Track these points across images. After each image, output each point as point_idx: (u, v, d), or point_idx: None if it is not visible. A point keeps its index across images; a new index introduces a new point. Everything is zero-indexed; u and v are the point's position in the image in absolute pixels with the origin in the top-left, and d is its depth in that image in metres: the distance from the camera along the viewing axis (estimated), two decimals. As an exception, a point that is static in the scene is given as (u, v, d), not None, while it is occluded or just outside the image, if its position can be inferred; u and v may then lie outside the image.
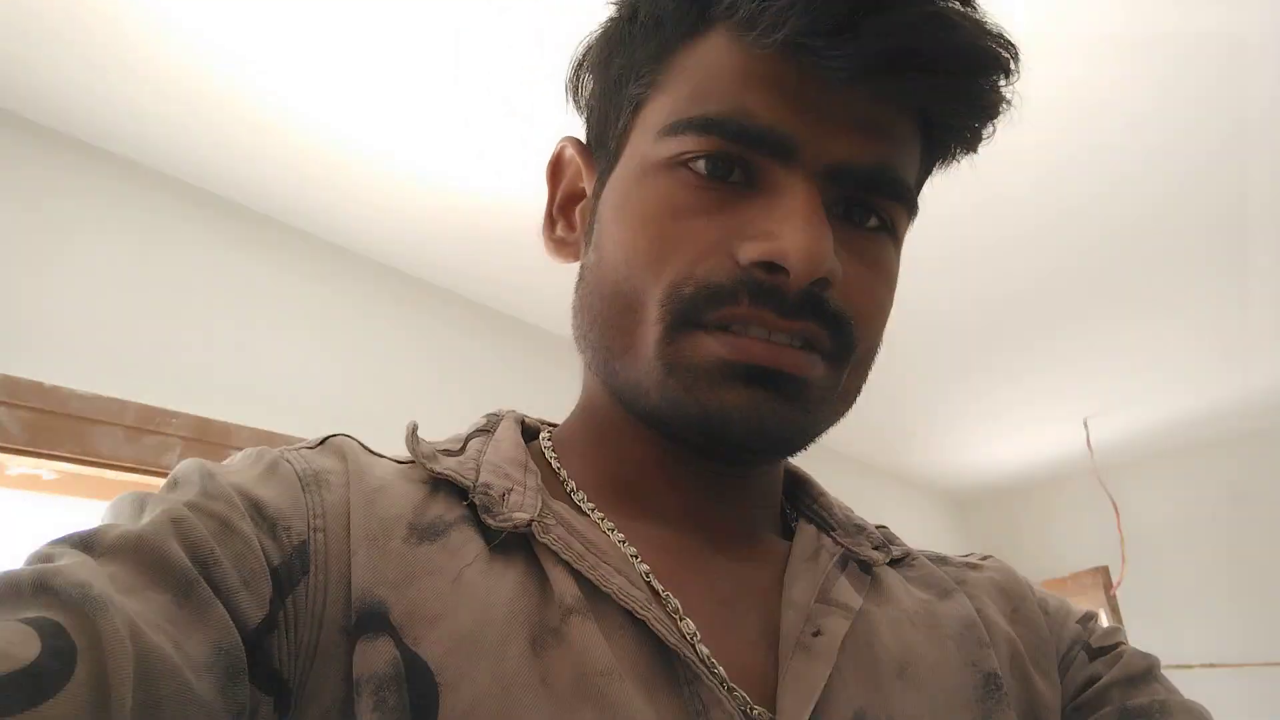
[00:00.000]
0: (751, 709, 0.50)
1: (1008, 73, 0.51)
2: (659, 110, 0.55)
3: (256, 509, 0.49)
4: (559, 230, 0.65)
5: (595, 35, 0.62)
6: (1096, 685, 0.61)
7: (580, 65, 0.64)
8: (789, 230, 0.50)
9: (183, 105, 1.84)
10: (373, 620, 0.47)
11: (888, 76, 0.50)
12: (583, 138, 0.65)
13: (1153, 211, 2.44)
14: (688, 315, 0.52)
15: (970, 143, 0.57)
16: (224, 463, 0.54)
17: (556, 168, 0.66)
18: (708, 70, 0.53)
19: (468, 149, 2.01)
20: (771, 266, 0.51)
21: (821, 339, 0.53)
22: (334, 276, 2.30)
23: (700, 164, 0.52)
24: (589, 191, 0.62)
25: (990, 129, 0.55)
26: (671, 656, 0.50)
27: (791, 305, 0.51)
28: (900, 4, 0.48)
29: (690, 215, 0.52)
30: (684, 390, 0.52)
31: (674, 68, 0.55)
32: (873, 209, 0.55)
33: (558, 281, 2.50)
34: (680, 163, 0.53)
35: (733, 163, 0.52)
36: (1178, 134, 2.12)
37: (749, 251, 0.51)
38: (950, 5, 0.51)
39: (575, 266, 0.63)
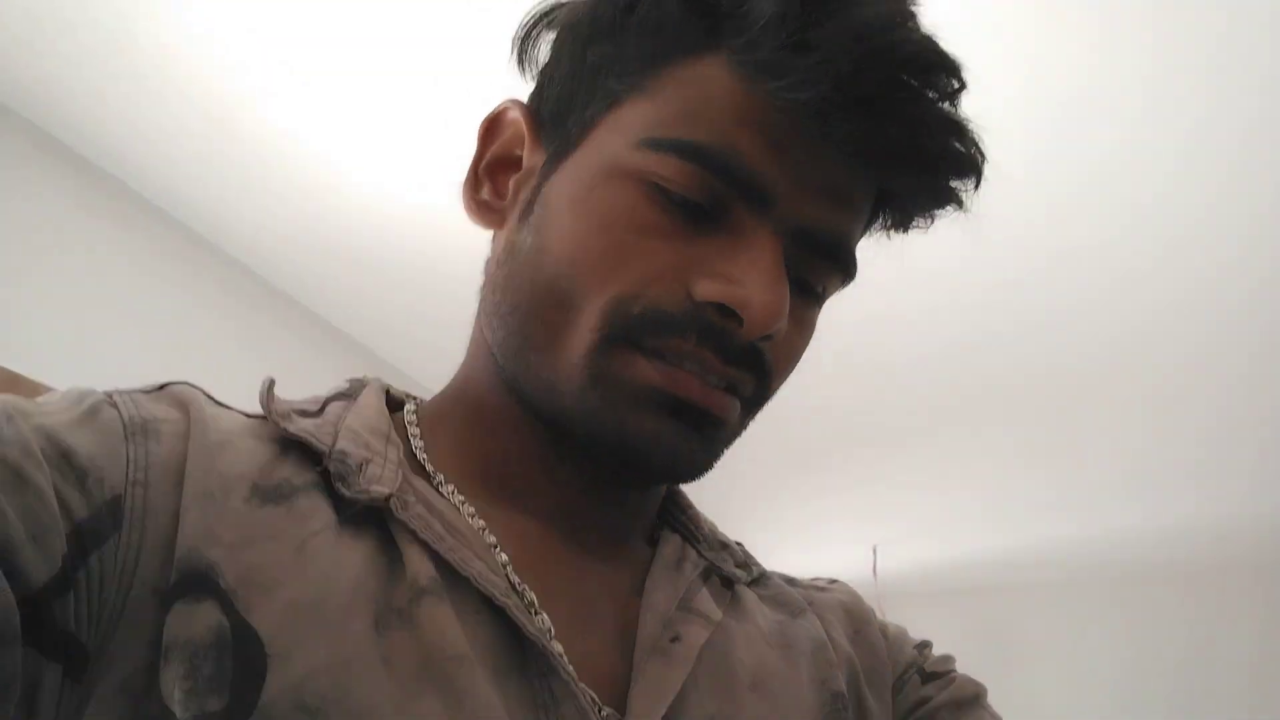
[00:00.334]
0: (601, 709, 0.49)
1: (977, 182, 0.53)
2: (640, 116, 0.53)
3: (65, 457, 0.44)
4: (484, 193, 0.61)
5: (579, 7, 0.58)
6: (926, 706, 0.63)
7: (538, 25, 0.60)
8: (753, 282, 0.50)
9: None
10: (196, 583, 0.44)
11: (882, 159, 0.51)
12: (532, 102, 0.61)
13: (942, 364, 2.68)
14: (629, 334, 0.51)
15: (904, 227, 0.58)
16: (41, 399, 0.49)
17: (493, 126, 0.61)
18: (703, 94, 0.52)
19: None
20: (726, 310, 0.51)
21: (746, 386, 0.54)
22: (154, 247, 2.35)
23: (674, 187, 0.51)
24: (531, 165, 0.59)
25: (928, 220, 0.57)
26: (527, 648, 0.49)
27: (735, 352, 0.52)
28: (916, 98, 0.49)
29: (651, 234, 0.52)
30: (605, 405, 0.52)
31: (665, 78, 0.53)
32: (820, 276, 0.56)
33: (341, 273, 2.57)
34: (654, 179, 0.52)
35: (707, 194, 0.51)
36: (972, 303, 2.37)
37: (707, 290, 0.51)
38: (954, 107, 0.52)
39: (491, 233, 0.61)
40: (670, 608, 0.56)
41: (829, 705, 0.58)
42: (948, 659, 0.67)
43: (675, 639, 0.54)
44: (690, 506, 0.67)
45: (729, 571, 0.62)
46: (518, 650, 0.49)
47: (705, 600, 0.58)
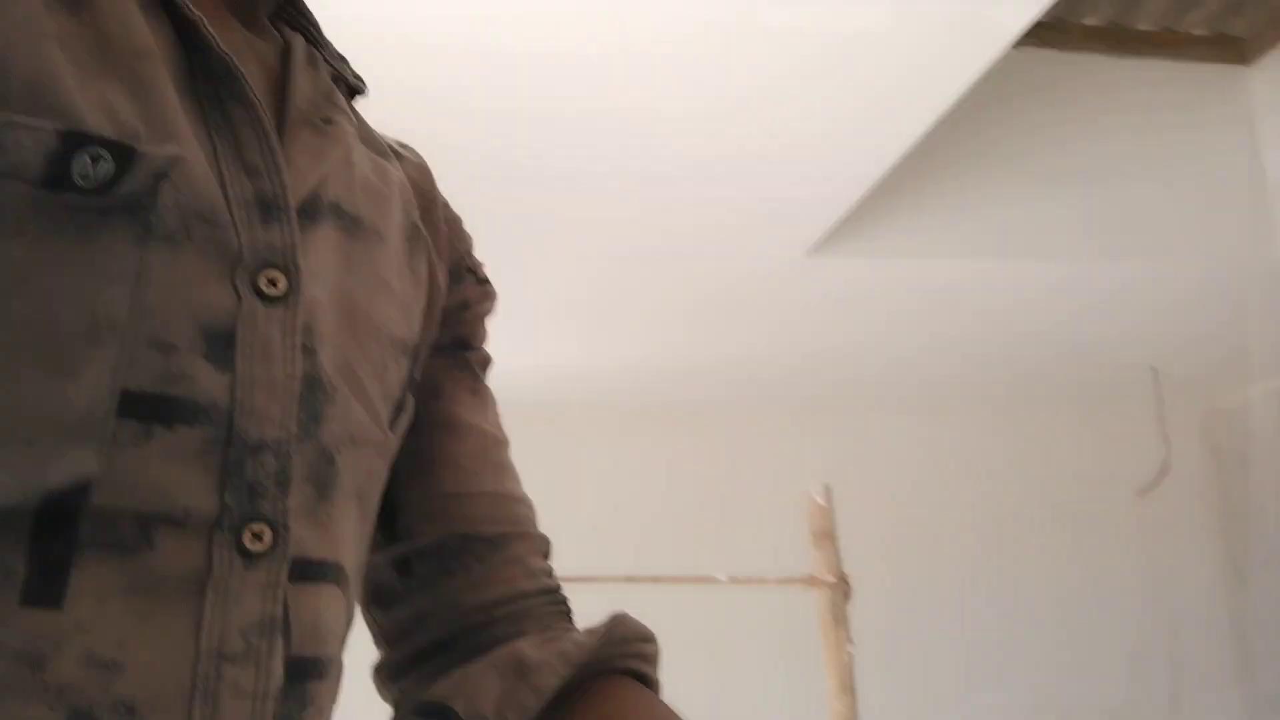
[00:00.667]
0: (270, 136, 0.50)
1: None
2: None
3: None
4: None
5: None
6: (472, 310, 0.68)
7: None
8: None
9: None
10: None
11: None
12: None
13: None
14: None
15: None
16: None
17: None
18: None
19: None
20: None
21: None
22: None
23: None
24: None
25: None
26: (213, 68, 0.48)
27: None
28: None
29: None
30: None
31: None
32: None
33: None
34: None
35: None
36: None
37: None
38: None
39: None
40: (316, 96, 0.56)
41: (410, 232, 0.60)
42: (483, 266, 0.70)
43: (327, 120, 0.55)
44: (309, 11, 0.64)
45: (353, 82, 0.62)
46: (201, 70, 0.48)
47: (342, 101, 0.59)
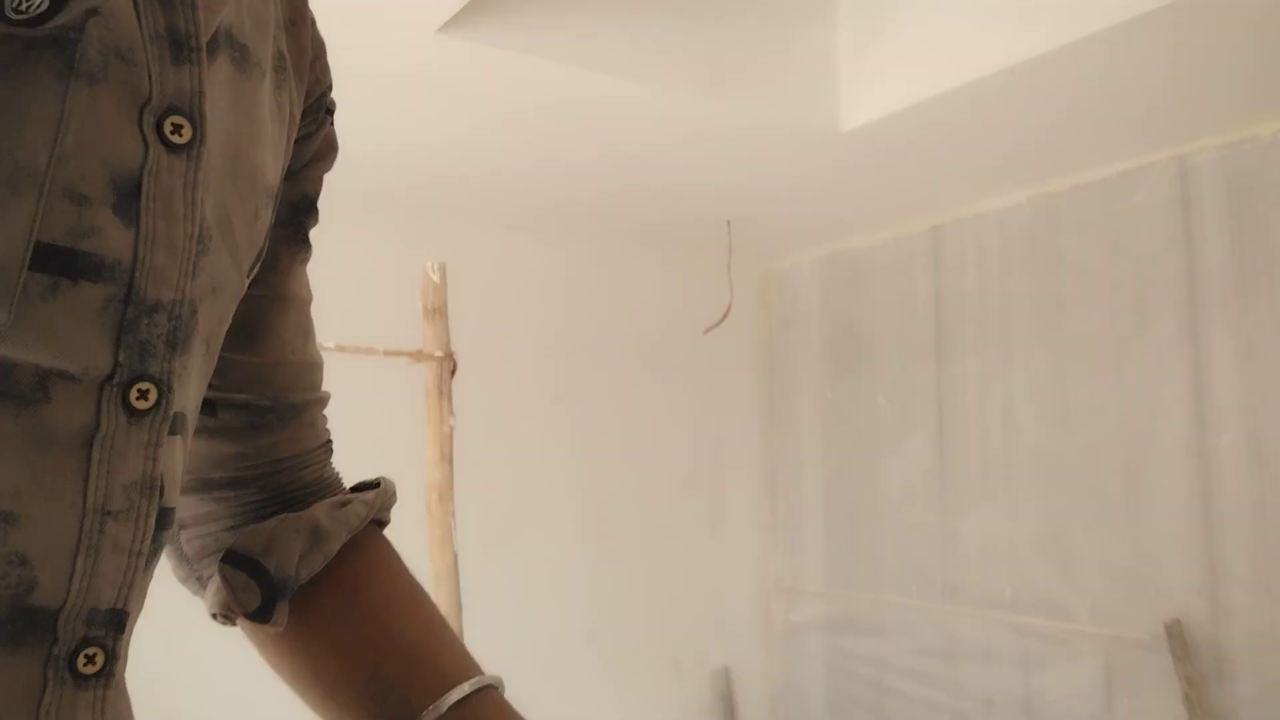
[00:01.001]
0: None
1: None
2: None
3: None
4: None
5: None
6: (316, 141, 0.66)
7: None
8: None
9: None
10: None
11: None
12: None
13: None
14: None
15: None
16: None
17: None
18: None
19: None
20: None
21: None
22: None
23: None
24: None
25: None
26: None
27: None
28: None
29: None
30: None
31: None
32: None
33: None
34: None
35: None
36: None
37: None
38: None
39: None
40: None
41: (277, 60, 0.59)
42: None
43: None
44: None
45: None
46: None
47: None
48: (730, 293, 3.74)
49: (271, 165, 0.58)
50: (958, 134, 2.91)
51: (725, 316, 3.72)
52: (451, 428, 2.41)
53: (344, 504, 0.69)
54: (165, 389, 0.47)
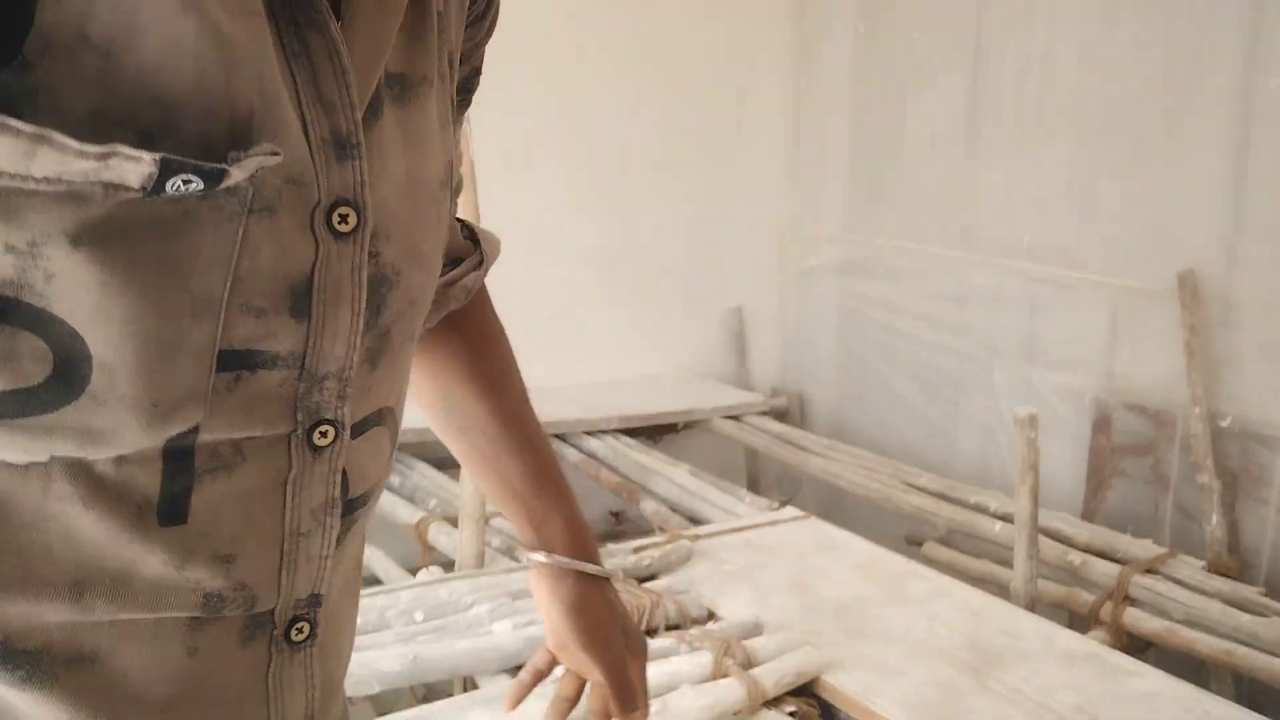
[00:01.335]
0: (342, 56, 0.50)
1: None
2: None
3: None
4: None
5: None
6: (482, 39, 0.72)
7: None
8: None
9: None
10: None
11: None
12: None
13: None
14: None
15: None
16: None
17: None
18: None
19: None
20: None
21: None
22: None
23: None
24: None
25: None
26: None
27: None
28: None
29: None
30: None
31: None
32: None
33: None
34: None
35: None
36: None
37: None
38: None
39: None
40: None
41: (434, 21, 0.61)
42: None
43: None
44: None
45: None
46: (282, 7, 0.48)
47: None
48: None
49: (442, 159, 0.63)
50: None
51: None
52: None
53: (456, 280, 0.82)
54: (340, 427, 0.56)
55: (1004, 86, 3.47)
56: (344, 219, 0.51)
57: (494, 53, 0.75)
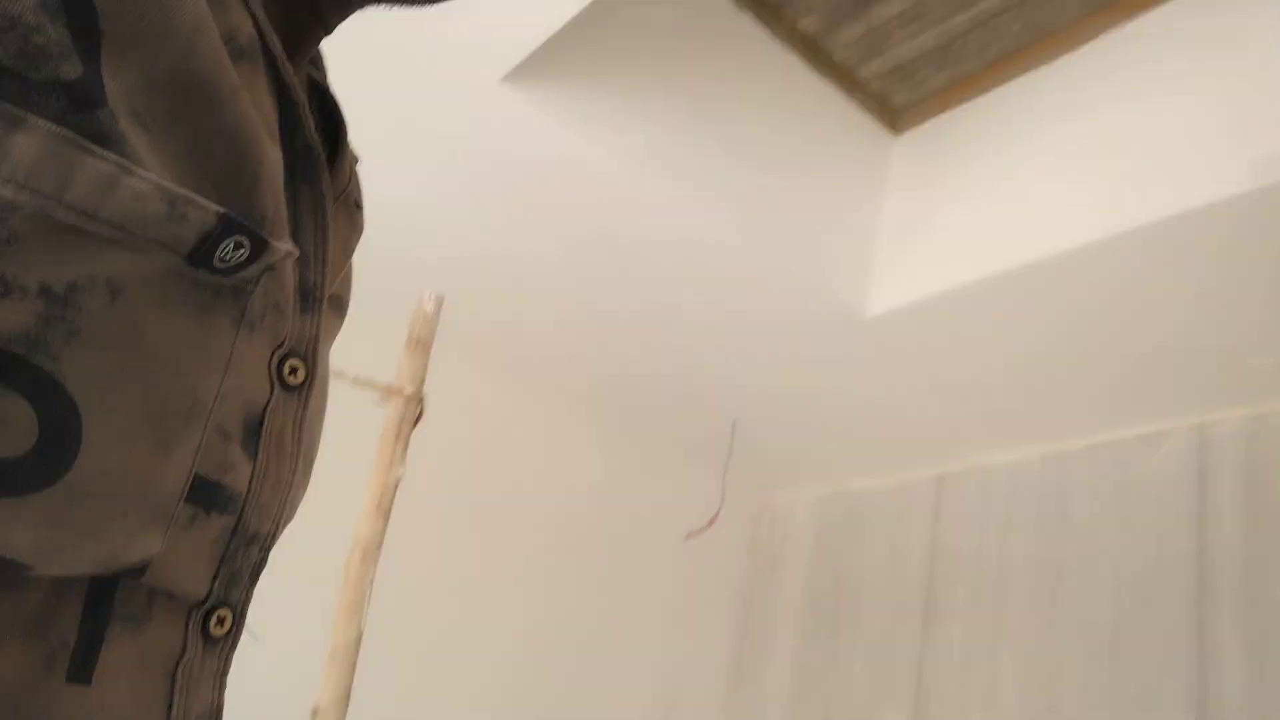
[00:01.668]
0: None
1: None
2: None
3: None
4: None
5: None
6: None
7: None
8: None
9: None
10: None
11: None
12: None
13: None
14: None
15: None
16: None
17: None
18: None
19: None
20: None
21: None
22: None
23: None
24: None
25: None
26: (297, 144, 0.50)
27: None
28: None
29: None
30: None
31: None
32: None
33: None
34: None
35: None
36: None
37: None
38: None
39: None
40: (352, 167, 0.60)
41: None
42: None
43: (359, 205, 0.60)
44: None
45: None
46: (285, 144, 0.49)
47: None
48: (721, 501, 3.58)
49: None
50: (979, 331, 2.87)
51: (712, 523, 3.55)
52: (398, 479, 2.16)
53: None
54: (238, 617, 0.50)
55: (945, 721, 3.29)
56: (294, 371, 0.50)
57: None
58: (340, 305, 0.59)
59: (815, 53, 2.58)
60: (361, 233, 0.62)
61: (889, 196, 2.84)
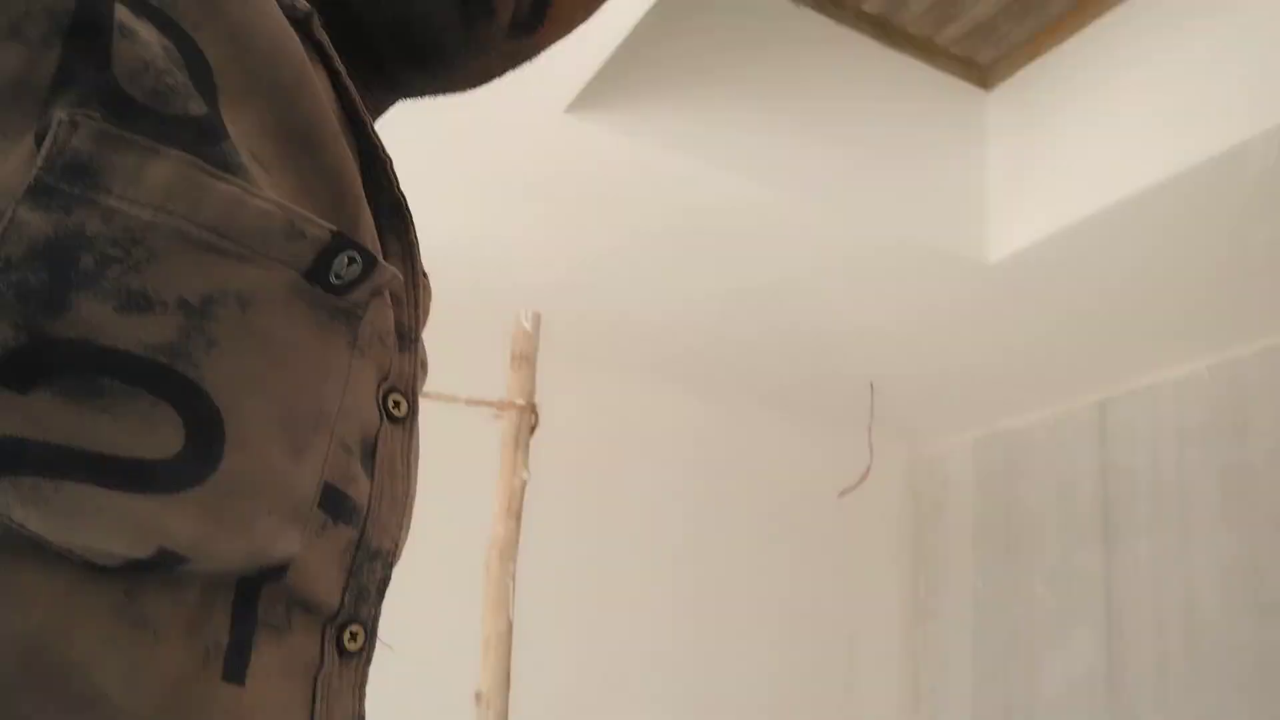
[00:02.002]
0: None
1: None
2: None
3: None
4: None
5: None
6: None
7: None
8: None
9: None
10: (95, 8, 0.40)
11: None
12: None
13: None
14: None
15: None
16: None
17: None
18: None
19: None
20: None
21: None
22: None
23: None
24: None
25: None
26: (383, 200, 0.53)
27: None
28: None
29: None
30: None
31: None
32: None
33: None
34: None
35: None
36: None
37: None
38: None
39: None
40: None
41: None
42: None
43: (425, 274, 0.61)
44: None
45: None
46: (372, 198, 0.51)
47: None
48: (870, 456, 3.58)
49: None
50: (1106, 260, 2.79)
51: (864, 479, 3.55)
52: (524, 481, 2.31)
53: None
54: (369, 633, 0.50)
55: (1144, 637, 3.27)
56: (397, 404, 0.52)
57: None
58: (424, 367, 0.62)
59: (886, 30, 2.50)
60: (431, 297, 0.66)
61: (991, 149, 2.76)
